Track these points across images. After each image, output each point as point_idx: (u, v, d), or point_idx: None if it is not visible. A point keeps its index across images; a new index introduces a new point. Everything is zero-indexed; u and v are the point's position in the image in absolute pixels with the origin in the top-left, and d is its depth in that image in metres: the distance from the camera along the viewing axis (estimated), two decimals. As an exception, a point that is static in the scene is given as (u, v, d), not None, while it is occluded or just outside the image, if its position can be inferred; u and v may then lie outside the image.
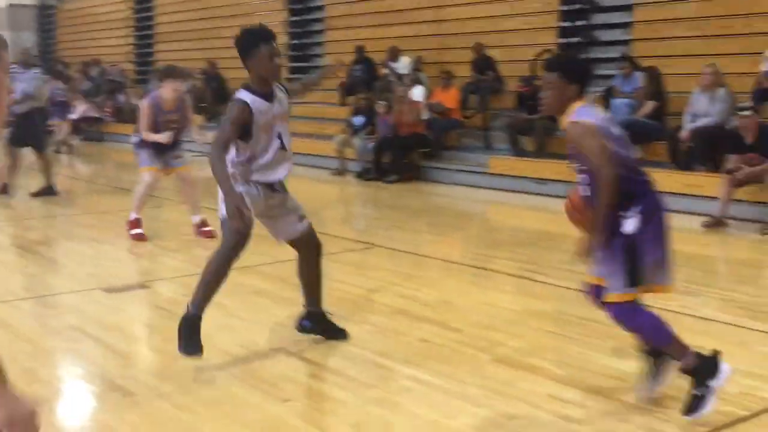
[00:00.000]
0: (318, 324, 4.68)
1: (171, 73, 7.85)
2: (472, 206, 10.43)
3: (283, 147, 4.40)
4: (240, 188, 4.27)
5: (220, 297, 4.98)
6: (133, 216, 7.74)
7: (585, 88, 3.57)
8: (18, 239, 8.22)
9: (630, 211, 3.43)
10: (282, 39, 17.21)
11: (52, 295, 6.03)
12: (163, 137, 7.53)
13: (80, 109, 19.12)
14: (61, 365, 4.70)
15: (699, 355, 3.50)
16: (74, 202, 10.98)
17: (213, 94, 16.91)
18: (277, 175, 4.45)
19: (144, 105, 7.75)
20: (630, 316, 3.53)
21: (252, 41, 4.28)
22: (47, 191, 10.38)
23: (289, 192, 4.58)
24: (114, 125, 19.06)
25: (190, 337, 4.28)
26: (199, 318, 4.30)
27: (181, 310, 4.61)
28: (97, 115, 19.05)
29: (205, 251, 7.41)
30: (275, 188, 4.48)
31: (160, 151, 7.71)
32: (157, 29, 21.96)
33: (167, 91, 7.64)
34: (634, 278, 3.44)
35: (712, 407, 3.45)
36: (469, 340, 4.75)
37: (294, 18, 17.28)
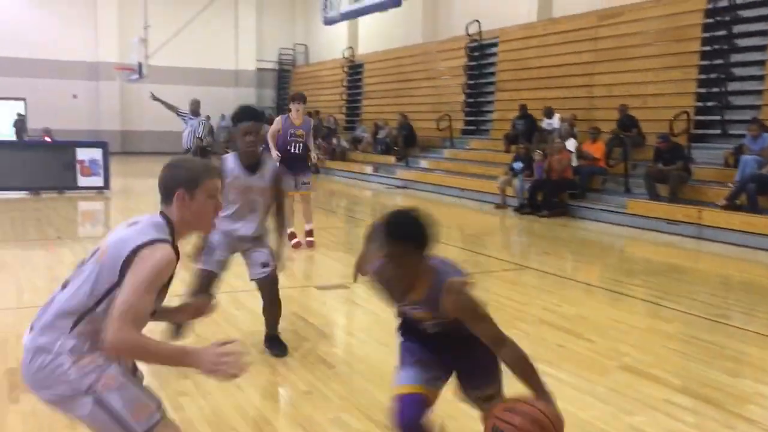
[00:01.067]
0: (267, 341, 4.58)
1: (295, 97, 8.42)
2: (611, 240, 10.13)
3: (250, 210, 4.22)
4: (213, 235, 4.18)
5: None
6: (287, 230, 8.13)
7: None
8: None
9: None
10: (460, 98, 17.51)
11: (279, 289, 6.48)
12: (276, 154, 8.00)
13: (303, 148, 20.26)
14: (285, 341, 5.07)
15: None
16: (292, 220, 11.62)
17: (404, 139, 17.43)
18: (237, 228, 4.25)
19: (277, 119, 8.41)
20: None
21: (237, 118, 4.16)
22: None
23: (262, 247, 4.35)
24: (328, 162, 20.07)
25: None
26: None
27: (372, 308, 4.87)
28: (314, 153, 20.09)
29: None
30: (244, 239, 4.30)
31: (293, 173, 8.09)
32: (364, 88, 22.91)
33: (293, 110, 8.22)
34: None
35: None
36: (600, 349, 4.70)
37: (470, 81, 17.51)
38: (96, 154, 13.79)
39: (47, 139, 16.37)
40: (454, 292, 2.42)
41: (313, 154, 8.61)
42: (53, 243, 8.44)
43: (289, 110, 8.37)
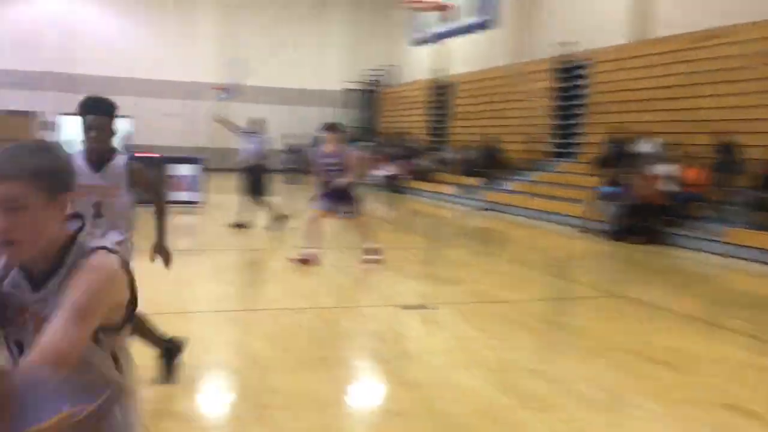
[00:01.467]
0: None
1: (326, 127, 8.46)
2: (707, 270, 9.63)
3: (97, 216, 3.70)
4: None
5: (484, 323, 5.11)
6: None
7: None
8: (337, 262, 8.87)
9: None
10: (548, 120, 17.21)
11: (358, 307, 6.50)
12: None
13: (388, 168, 20.43)
14: (366, 359, 5.07)
15: None
16: (380, 238, 11.66)
17: (489, 161, 17.29)
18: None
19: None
20: None
21: (80, 110, 3.69)
22: (241, 225, 10.89)
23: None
24: (411, 182, 20.10)
25: None
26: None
27: (456, 330, 4.77)
28: (399, 173, 20.21)
29: (481, 286, 7.60)
30: None
31: (334, 201, 8.13)
32: (451, 109, 22.86)
33: (326, 140, 8.26)
34: None
35: None
36: (697, 384, 4.45)
37: (560, 103, 17.19)
38: (192, 170, 14.48)
39: (149, 155, 17.21)
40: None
41: (342, 180, 8.05)
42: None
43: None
